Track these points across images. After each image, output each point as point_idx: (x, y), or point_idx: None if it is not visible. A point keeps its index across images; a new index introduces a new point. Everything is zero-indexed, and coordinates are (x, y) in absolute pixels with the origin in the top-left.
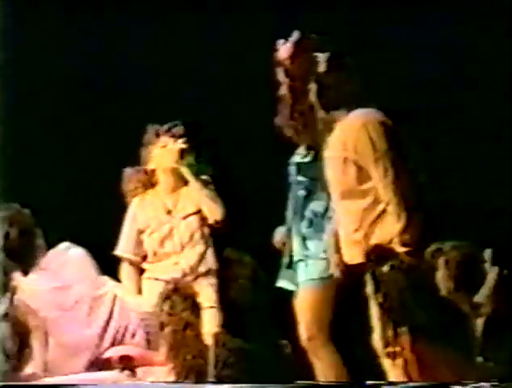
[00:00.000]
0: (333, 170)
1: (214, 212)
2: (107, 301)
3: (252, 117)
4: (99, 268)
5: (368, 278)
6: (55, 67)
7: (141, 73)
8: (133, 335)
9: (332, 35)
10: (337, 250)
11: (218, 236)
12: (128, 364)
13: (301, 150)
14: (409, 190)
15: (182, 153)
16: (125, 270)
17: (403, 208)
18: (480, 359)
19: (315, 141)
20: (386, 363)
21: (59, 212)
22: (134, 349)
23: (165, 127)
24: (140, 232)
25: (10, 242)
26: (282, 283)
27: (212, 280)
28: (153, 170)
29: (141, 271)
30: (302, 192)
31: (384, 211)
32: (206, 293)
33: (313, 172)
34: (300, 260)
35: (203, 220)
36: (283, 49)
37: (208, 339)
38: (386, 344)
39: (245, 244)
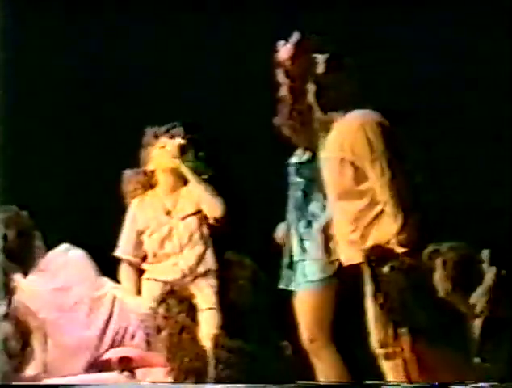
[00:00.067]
0: (330, 171)
1: (214, 209)
2: (106, 302)
3: (252, 117)
4: (99, 270)
5: (368, 279)
6: (55, 67)
7: (141, 73)
8: (133, 337)
9: (332, 35)
10: (327, 249)
11: (218, 237)
12: (127, 365)
13: (299, 151)
14: (405, 190)
15: (182, 150)
16: (124, 271)
17: (400, 209)
18: (477, 359)
19: (312, 141)
20: (385, 363)
21: (58, 213)
22: (133, 350)
23: (164, 128)
24: (140, 233)
25: (8, 243)
26: (283, 284)
27: (212, 280)
28: (153, 171)
29: (141, 272)
30: (300, 193)
31: (381, 212)
32: (205, 294)
33: (311, 173)
34: (300, 261)
35: (203, 220)
36: (284, 50)
37: (206, 341)
38: (385, 345)
39: (244, 245)
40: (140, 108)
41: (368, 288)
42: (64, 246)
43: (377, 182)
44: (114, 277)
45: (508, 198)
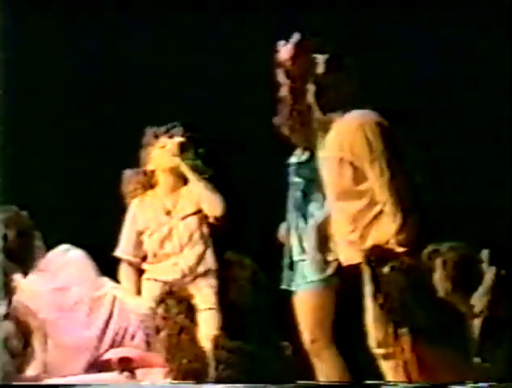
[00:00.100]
0: (330, 171)
1: (214, 207)
2: (106, 302)
3: (252, 117)
4: (99, 270)
5: (368, 279)
6: (55, 67)
7: (141, 73)
8: (133, 337)
9: (332, 35)
10: (324, 248)
11: (218, 236)
12: (127, 365)
13: (298, 151)
14: (404, 190)
15: (181, 148)
16: (124, 271)
17: (399, 209)
18: (477, 359)
19: (311, 141)
20: (384, 363)
21: (58, 213)
22: (133, 351)
23: (164, 128)
24: (140, 233)
25: (8, 243)
26: (284, 284)
27: (212, 280)
28: (153, 171)
29: (141, 272)
30: (299, 193)
31: (380, 212)
32: (204, 294)
33: (310, 173)
34: (300, 261)
35: (203, 220)
36: (284, 50)
37: (206, 342)
38: (384, 345)
39: (244, 245)
40: (140, 108)
41: (368, 289)
42: (64, 247)
43: (376, 182)
44: (114, 277)
45: (508, 198)
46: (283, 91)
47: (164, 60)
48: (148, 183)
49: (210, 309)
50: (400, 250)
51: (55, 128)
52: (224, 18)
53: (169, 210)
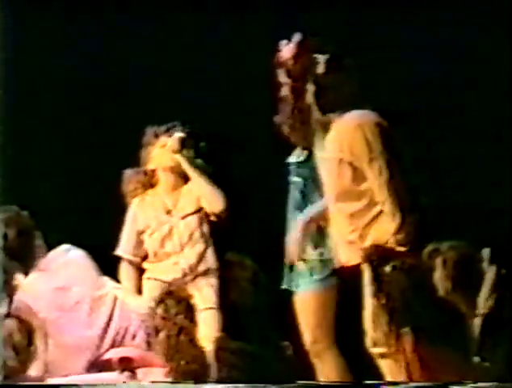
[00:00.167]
0: (329, 172)
1: (214, 202)
2: (107, 302)
3: (252, 117)
4: (99, 269)
5: (370, 278)
6: (55, 67)
7: (141, 73)
8: (133, 337)
9: (332, 35)
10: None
11: (218, 236)
12: (128, 365)
13: (297, 151)
14: (403, 190)
15: (182, 143)
16: (125, 270)
17: (398, 209)
18: (477, 359)
19: (310, 140)
20: (384, 363)
21: (59, 213)
22: (134, 351)
23: (164, 127)
24: (141, 232)
25: (8, 242)
26: (285, 284)
27: (212, 280)
28: (153, 171)
29: (141, 271)
30: (298, 193)
31: (380, 212)
32: (205, 293)
33: (308, 172)
34: (300, 262)
35: (203, 219)
36: (286, 50)
37: (205, 342)
38: (384, 344)
39: (245, 246)
40: (140, 108)
41: (369, 288)
42: (64, 247)
43: (375, 182)
44: (115, 277)
45: (508, 198)
46: (285, 91)
47: (164, 60)
48: (149, 183)
49: (210, 308)
50: (401, 249)
51: (55, 128)
52: (224, 18)
53: (169, 209)
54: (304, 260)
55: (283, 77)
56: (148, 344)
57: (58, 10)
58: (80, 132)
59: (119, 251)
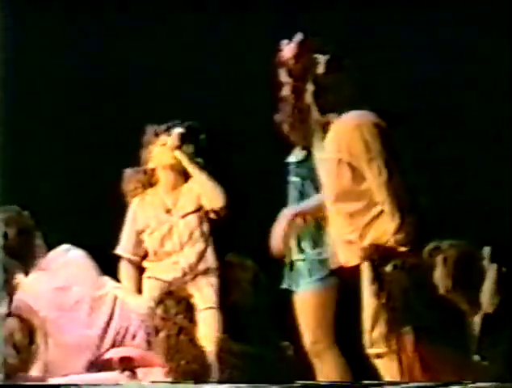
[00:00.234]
0: (328, 172)
1: (215, 198)
2: (107, 301)
3: (252, 117)
4: (100, 269)
5: (371, 278)
6: (55, 67)
7: (141, 73)
8: (134, 337)
9: (332, 35)
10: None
11: (219, 237)
12: (128, 365)
13: (296, 150)
14: (402, 190)
15: (182, 139)
16: (124, 269)
17: (397, 209)
18: (476, 357)
19: (310, 140)
20: (380, 363)
21: (59, 212)
22: (134, 350)
23: (164, 126)
24: (141, 231)
25: (8, 241)
26: (285, 284)
27: (212, 279)
28: (153, 170)
29: (141, 270)
30: (297, 193)
31: (380, 212)
32: (205, 293)
33: (307, 172)
34: (298, 261)
35: (203, 218)
36: (288, 49)
37: (205, 342)
38: (384, 344)
39: (245, 246)
40: (140, 108)
41: (369, 288)
42: (64, 247)
43: (374, 182)
44: (115, 277)
45: (508, 198)
46: (285, 90)
47: (164, 60)
48: (149, 182)
49: (210, 308)
50: (401, 249)
51: (55, 128)
52: (224, 18)
53: (169, 208)
54: (303, 260)
55: (283, 76)
56: (149, 344)
57: (58, 10)
58: (80, 132)
59: (118, 250)
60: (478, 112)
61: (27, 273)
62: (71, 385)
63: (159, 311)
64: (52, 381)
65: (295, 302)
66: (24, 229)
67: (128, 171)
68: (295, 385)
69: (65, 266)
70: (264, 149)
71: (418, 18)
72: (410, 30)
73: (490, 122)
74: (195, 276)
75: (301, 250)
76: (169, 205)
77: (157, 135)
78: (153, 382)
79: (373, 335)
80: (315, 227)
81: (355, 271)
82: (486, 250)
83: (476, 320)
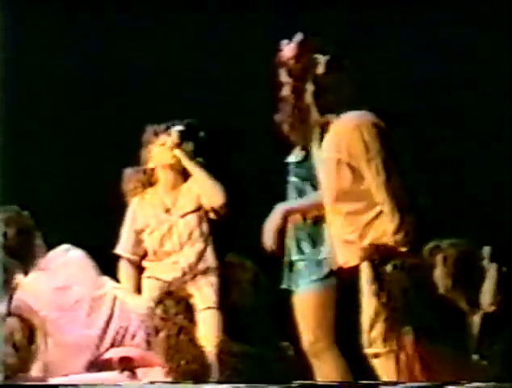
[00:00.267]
0: (327, 173)
1: (214, 196)
2: (107, 301)
3: (252, 117)
4: (99, 269)
5: (371, 278)
6: (55, 67)
7: (141, 73)
8: (133, 337)
9: (332, 35)
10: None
11: (218, 235)
12: (128, 365)
13: (296, 150)
14: (402, 190)
15: (181, 136)
16: (124, 269)
17: (396, 209)
18: (476, 356)
19: (309, 139)
20: (379, 363)
21: (58, 212)
22: (134, 350)
23: (164, 126)
24: (140, 231)
25: (8, 241)
26: (285, 284)
27: (212, 278)
28: (153, 169)
29: (141, 270)
30: (296, 193)
31: (379, 213)
32: (204, 293)
33: (305, 172)
34: (298, 261)
35: (203, 217)
36: (288, 49)
37: (205, 342)
38: (384, 344)
39: (245, 247)
40: (140, 108)
41: (369, 288)
42: (64, 247)
43: (373, 182)
44: (114, 277)
45: (508, 198)
46: (285, 90)
47: (164, 60)
48: (148, 182)
49: (209, 308)
50: (403, 248)
51: (55, 128)
52: (224, 18)
53: (168, 208)
54: (303, 260)
55: (283, 76)
56: (148, 344)
57: (58, 10)
58: (80, 132)
59: (118, 250)
60: (478, 112)
61: (26, 273)
62: (71, 386)
63: (159, 311)
64: (51, 381)
65: (295, 302)
66: (24, 229)
67: (128, 171)
68: (295, 385)
69: (64, 266)
70: (264, 149)
71: (418, 18)
72: (410, 30)
73: (490, 122)
74: (195, 276)
75: (301, 251)
76: (169, 205)
77: (156, 135)
78: (152, 382)
79: (371, 335)
80: (314, 227)
81: (355, 271)
82: (486, 250)
83: (476, 320)
